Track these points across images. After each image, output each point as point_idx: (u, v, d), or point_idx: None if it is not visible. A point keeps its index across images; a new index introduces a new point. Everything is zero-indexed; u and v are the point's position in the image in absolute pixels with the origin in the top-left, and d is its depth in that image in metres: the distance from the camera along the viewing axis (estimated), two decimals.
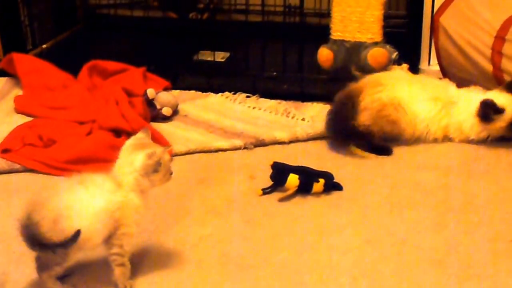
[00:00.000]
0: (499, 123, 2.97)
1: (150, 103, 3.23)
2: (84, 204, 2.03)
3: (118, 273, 2.12)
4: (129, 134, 2.76)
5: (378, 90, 3.00)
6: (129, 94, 3.29)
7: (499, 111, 2.95)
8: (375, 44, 3.33)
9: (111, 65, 3.55)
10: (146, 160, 2.08)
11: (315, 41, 3.44)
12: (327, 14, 3.44)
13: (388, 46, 3.33)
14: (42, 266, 2.08)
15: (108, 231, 2.08)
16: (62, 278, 2.13)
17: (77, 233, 1.99)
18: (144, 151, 2.09)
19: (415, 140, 3.05)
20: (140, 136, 2.19)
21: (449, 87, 3.11)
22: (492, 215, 2.52)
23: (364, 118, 2.95)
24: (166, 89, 3.45)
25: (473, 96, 3.03)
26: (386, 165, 2.90)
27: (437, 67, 3.49)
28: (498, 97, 2.97)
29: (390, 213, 2.54)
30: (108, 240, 2.10)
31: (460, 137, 3.04)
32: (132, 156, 2.10)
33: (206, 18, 4.29)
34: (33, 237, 1.98)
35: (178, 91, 3.51)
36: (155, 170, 2.10)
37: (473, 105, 3.00)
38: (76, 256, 2.10)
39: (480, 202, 2.61)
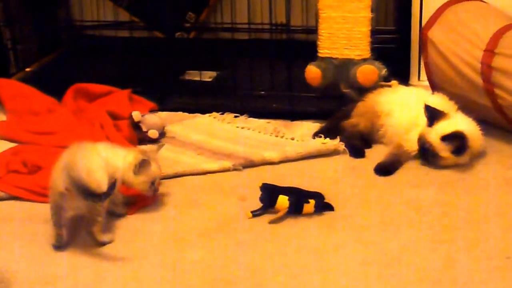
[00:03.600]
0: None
1: (136, 125, 3.19)
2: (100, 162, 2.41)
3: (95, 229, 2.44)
4: None
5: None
6: (115, 117, 3.25)
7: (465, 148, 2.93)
8: (364, 60, 3.30)
9: (96, 87, 3.51)
10: (132, 159, 2.51)
11: (303, 58, 3.40)
12: (314, 31, 3.40)
13: (376, 63, 3.29)
14: (89, 223, 2.41)
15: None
16: None
17: (115, 181, 2.38)
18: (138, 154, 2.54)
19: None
20: (151, 148, 2.66)
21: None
22: (489, 232, 2.49)
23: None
24: (152, 110, 3.39)
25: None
26: (379, 183, 2.86)
27: (428, 83, 3.46)
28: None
29: (384, 232, 2.50)
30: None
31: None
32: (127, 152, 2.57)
33: (193, 37, 4.25)
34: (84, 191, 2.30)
35: (165, 112, 3.46)
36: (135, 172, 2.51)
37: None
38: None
39: (476, 218, 2.57)
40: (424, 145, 2.95)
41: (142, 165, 2.53)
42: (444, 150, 2.92)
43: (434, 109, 2.97)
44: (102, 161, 2.42)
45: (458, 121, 2.97)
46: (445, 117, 2.96)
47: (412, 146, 3.00)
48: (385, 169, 2.94)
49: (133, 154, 2.55)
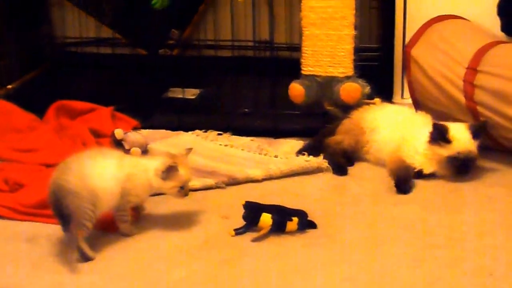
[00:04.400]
0: (441, 152, 2.94)
1: (118, 143, 3.18)
2: (104, 168, 2.48)
3: (123, 226, 2.58)
4: None
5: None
6: (97, 134, 3.24)
7: (446, 139, 2.93)
8: (347, 78, 3.30)
9: (78, 105, 3.50)
10: (160, 166, 2.53)
11: (287, 75, 3.41)
12: (298, 48, 3.41)
13: (360, 80, 3.30)
14: (72, 225, 2.40)
15: (120, 196, 2.51)
16: None
17: None
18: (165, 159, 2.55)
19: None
20: (180, 152, 2.65)
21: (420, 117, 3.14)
22: (472, 249, 2.48)
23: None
24: (135, 128, 3.39)
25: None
26: (363, 200, 2.86)
27: (410, 100, 3.47)
28: (458, 130, 2.95)
29: (368, 250, 2.49)
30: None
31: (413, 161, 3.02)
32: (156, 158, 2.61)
33: (176, 54, 4.24)
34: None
35: (147, 130, 3.45)
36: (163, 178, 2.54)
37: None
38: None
39: (459, 236, 2.57)
40: (469, 156, 2.95)
41: (170, 170, 2.53)
42: (476, 148, 2.97)
43: (440, 124, 2.97)
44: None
45: (460, 125, 2.99)
46: (450, 127, 2.97)
47: (417, 161, 3.01)
48: (403, 185, 2.93)
49: (161, 160, 2.55)
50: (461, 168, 2.96)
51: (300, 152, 3.19)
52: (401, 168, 2.99)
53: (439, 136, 2.94)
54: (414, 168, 3.00)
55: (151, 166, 2.55)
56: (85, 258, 2.42)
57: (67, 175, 2.42)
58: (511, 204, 2.79)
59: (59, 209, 2.40)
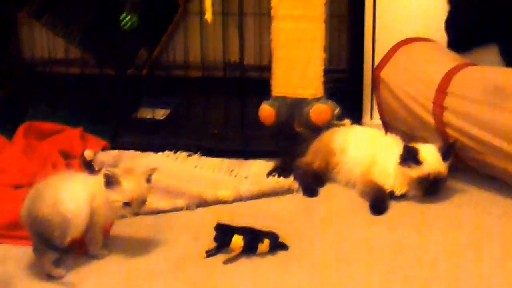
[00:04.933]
0: (411, 173, 2.96)
1: (88, 165, 3.16)
2: (74, 192, 2.45)
3: (93, 248, 2.56)
4: None
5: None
6: (67, 155, 3.22)
7: (416, 161, 2.95)
8: (317, 100, 3.31)
9: (47, 126, 3.49)
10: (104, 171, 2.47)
11: (257, 95, 3.41)
12: (268, 68, 3.42)
13: (330, 102, 3.31)
14: (41, 250, 2.41)
15: (89, 218, 2.48)
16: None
17: None
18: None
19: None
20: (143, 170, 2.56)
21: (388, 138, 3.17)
22: (441, 269, 2.49)
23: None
24: (104, 149, 3.37)
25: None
26: (333, 221, 2.86)
27: (380, 121, 3.49)
28: (427, 151, 2.98)
29: (339, 272, 2.50)
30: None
31: (385, 182, 3.04)
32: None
33: (145, 75, 4.23)
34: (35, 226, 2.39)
35: (117, 151, 3.43)
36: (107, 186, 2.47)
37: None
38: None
39: (429, 256, 2.58)
40: (439, 177, 2.97)
41: (107, 179, 2.47)
42: (446, 169, 2.99)
43: (410, 146, 2.99)
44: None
45: (425, 145, 3.01)
46: (420, 148, 2.98)
47: (388, 183, 3.03)
48: (378, 205, 2.95)
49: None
50: (431, 189, 2.98)
51: (270, 173, 3.19)
52: (374, 189, 3.00)
53: (410, 157, 2.96)
54: (386, 190, 3.01)
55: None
56: (54, 278, 2.42)
57: (39, 203, 2.40)
58: (479, 225, 2.82)
59: (35, 234, 2.40)
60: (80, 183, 2.51)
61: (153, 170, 2.58)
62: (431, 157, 2.97)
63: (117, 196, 2.47)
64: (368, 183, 3.03)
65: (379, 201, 2.96)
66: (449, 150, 3.00)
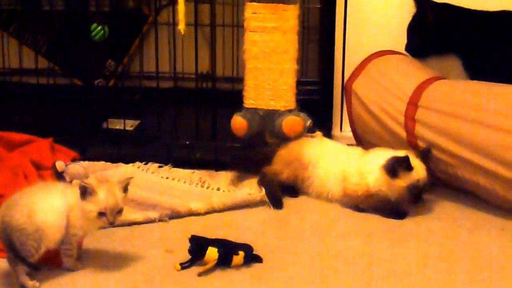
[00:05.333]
0: (401, 182, 2.97)
1: (59, 176, 3.13)
2: (50, 203, 2.43)
3: (67, 260, 2.54)
4: None
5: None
6: (37, 166, 3.17)
7: (410, 167, 2.96)
8: (289, 112, 3.31)
9: (16, 136, 3.43)
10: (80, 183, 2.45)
11: (229, 107, 3.40)
12: (240, 79, 3.42)
13: (302, 114, 3.31)
14: (14, 261, 2.39)
15: (65, 229, 2.46)
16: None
17: None
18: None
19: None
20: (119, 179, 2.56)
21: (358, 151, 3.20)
22: (414, 282, 2.51)
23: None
24: (74, 160, 3.34)
25: (382, 153, 3.06)
26: (307, 233, 2.87)
27: (350, 133, 3.51)
28: (412, 159, 2.99)
29: (313, 284, 2.50)
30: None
31: (359, 189, 3.05)
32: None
33: (113, 85, 4.21)
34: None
35: (87, 162, 3.40)
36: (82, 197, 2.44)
37: (381, 159, 3.01)
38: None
39: (402, 269, 2.60)
40: (426, 182, 2.98)
41: (83, 190, 2.44)
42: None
43: (401, 156, 2.99)
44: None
45: (397, 152, 3.03)
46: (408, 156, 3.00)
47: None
48: (396, 211, 3.00)
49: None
50: (420, 195, 3.00)
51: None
52: (375, 198, 3.03)
53: (403, 165, 2.96)
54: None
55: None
56: None
57: (14, 211, 2.38)
58: (450, 236, 2.85)
59: (8, 244, 2.37)
60: (57, 194, 2.48)
61: (129, 179, 2.57)
62: (417, 163, 2.98)
63: (91, 206, 2.44)
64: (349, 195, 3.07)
65: (392, 206, 3.00)
66: (427, 155, 3.02)
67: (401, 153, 3.00)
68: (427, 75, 3.26)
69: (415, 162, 2.98)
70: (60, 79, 4.13)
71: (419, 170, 2.97)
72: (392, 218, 2.98)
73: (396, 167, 2.96)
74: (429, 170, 3.01)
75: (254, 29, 3.29)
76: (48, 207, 2.43)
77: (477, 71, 3.43)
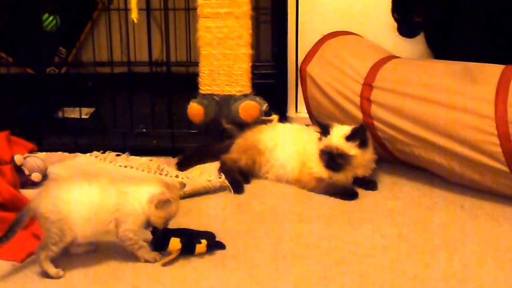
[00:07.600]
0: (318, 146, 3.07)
1: (18, 169, 3.10)
2: (81, 195, 2.45)
3: (140, 254, 2.54)
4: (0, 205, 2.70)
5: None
6: None
7: (326, 134, 3.05)
8: (245, 96, 3.33)
9: None
10: (158, 195, 2.49)
11: (184, 91, 3.40)
12: (195, 63, 3.41)
13: (258, 98, 3.33)
14: (40, 246, 2.45)
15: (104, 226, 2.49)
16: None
17: None
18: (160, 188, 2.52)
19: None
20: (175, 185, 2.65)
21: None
22: (377, 264, 2.54)
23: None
24: (32, 151, 3.31)
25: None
26: (267, 218, 2.89)
27: (305, 114, 3.53)
28: (337, 129, 3.07)
29: (276, 270, 2.51)
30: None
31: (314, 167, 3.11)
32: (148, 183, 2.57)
33: (64, 73, 4.17)
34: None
35: (44, 153, 3.37)
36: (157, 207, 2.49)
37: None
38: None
39: (363, 251, 2.63)
40: (332, 152, 3.02)
41: (166, 202, 2.50)
42: (352, 148, 3.02)
43: (323, 122, 3.08)
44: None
45: (345, 126, 3.07)
46: (334, 126, 3.06)
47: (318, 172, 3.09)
48: (346, 192, 3.06)
49: (159, 189, 2.51)
50: (329, 162, 3.05)
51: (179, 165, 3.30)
52: (322, 183, 3.09)
53: (323, 132, 3.05)
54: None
55: (144, 192, 2.51)
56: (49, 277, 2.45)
57: (42, 199, 2.45)
58: (410, 217, 2.88)
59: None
60: (96, 188, 2.49)
61: (183, 185, 2.85)
62: (335, 133, 3.04)
63: (165, 215, 2.52)
64: (311, 180, 3.11)
65: (342, 189, 3.06)
66: (355, 132, 3.04)
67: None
68: (381, 55, 3.28)
69: (336, 133, 3.03)
70: (13, 69, 4.08)
71: (332, 139, 3.03)
72: (345, 199, 3.02)
73: (319, 134, 3.07)
74: (363, 145, 3.04)
75: (207, 15, 3.30)
76: (77, 198, 2.45)
77: (438, 47, 3.43)
